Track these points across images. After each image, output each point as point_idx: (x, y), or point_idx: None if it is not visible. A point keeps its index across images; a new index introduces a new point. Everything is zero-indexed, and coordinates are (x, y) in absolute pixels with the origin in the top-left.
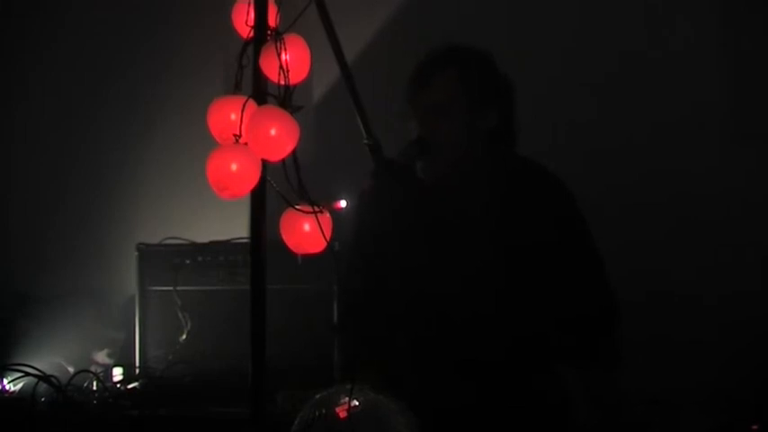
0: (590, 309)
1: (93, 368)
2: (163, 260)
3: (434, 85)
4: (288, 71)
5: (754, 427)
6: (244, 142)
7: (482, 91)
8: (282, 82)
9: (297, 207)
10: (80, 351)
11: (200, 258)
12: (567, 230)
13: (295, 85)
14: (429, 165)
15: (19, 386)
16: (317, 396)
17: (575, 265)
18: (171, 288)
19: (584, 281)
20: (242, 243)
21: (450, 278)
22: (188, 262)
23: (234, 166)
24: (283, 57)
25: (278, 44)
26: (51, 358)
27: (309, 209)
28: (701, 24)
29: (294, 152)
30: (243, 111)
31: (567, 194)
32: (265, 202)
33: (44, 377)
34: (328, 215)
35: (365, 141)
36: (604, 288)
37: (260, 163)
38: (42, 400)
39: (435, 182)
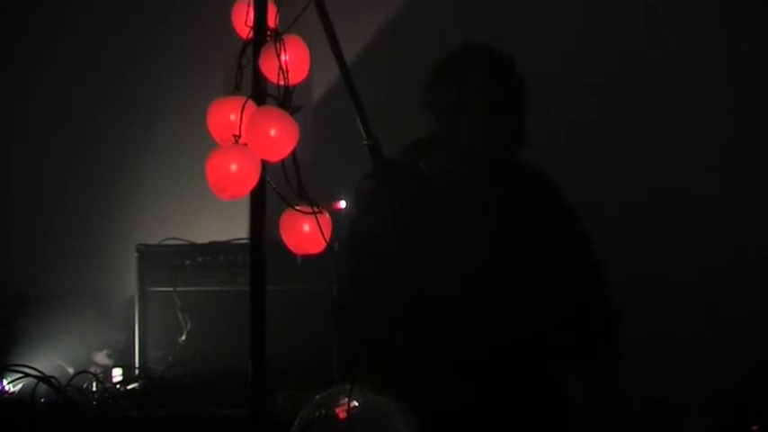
0: (589, 309)
1: (92, 369)
2: (163, 261)
3: (459, 81)
4: (287, 72)
5: (754, 427)
6: (243, 143)
7: (505, 94)
8: (282, 82)
9: (296, 207)
10: (80, 352)
11: (200, 259)
12: (565, 232)
13: (294, 86)
14: (430, 164)
15: (18, 387)
16: (317, 396)
17: (573, 266)
18: (171, 289)
19: (582, 282)
20: (242, 243)
21: (450, 278)
22: (188, 262)
23: (233, 167)
24: (283, 57)
25: (277, 45)
26: (51, 359)
27: (309, 209)
28: (701, 24)
29: (294, 153)
30: (242, 111)
31: (564, 198)
32: (265, 202)
33: (44, 378)
34: (328, 216)
35: (365, 142)
36: (603, 289)
37: (259, 163)
38: (42, 400)
39: (435, 181)
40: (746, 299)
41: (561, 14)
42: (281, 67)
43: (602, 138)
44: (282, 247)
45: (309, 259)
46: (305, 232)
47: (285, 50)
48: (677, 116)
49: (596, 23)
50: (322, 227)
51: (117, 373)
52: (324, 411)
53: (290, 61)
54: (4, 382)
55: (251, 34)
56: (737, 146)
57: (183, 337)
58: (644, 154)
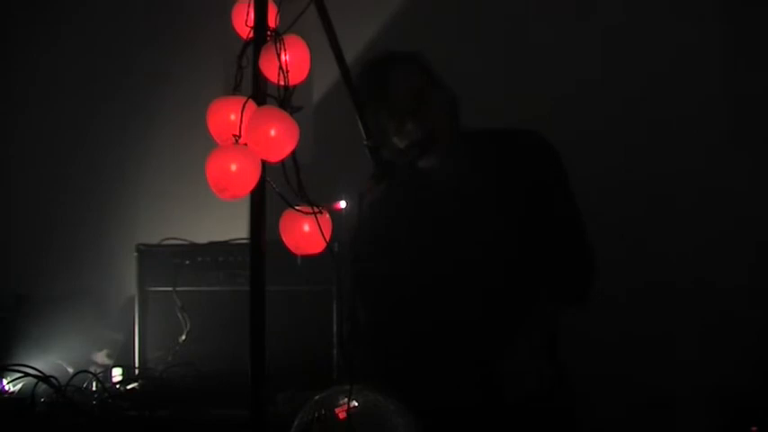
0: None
1: (92, 369)
2: (162, 261)
3: (410, 82)
4: (287, 72)
5: (754, 428)
6: (243, 143)
7: (436, 78)
8: (282, 83)
9: (296, 208)
10: (79, 352)
11: (199, 259)
12: (553, 191)
13: (295, 86)
14: (429, 160)
15: (18, 386)
16: (317, 397)
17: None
18: (170, 289)
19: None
20: (242, 244)
21: (456, 272)
22: (188, 263)
23: (233, 167)
24: (283, 57)
25: (278, 45)
26: (51, 359)
27: (309, 209)
28: (701, 23)
29: (294, 153)
30: (242, 111)
31: (552, 152)
32: (265, 202)
33: (44, 378)
34: (328, 216)
35: (365, 142)
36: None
37: (259, 164)
38: (42, 400)
39: (433, 175)
40: (747, 299)
41: (561, 14)
42: (281, 68)
43: (602, 137)
44: (282, 248)
45: (309, 259)
46: (305, 232)
47: (285, 50)
48: (677, 116)
49: (596, 23)
50: (322, 227)
51: (117, 373)
52: (323, 412)
53: (291, 61)
54: (4, 381)
55: (251, 34)
56: (738, 145)
57: (183, 338)
58: (644, 154)
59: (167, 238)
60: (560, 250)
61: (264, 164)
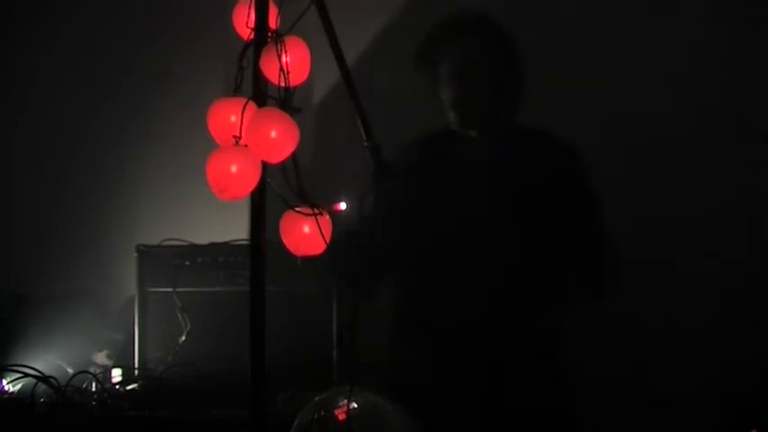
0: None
1: (92, 369)
2: (162, 261)
3: (469, 43)
4: (288, 73)
5: (753, 430)
6: (244, 144)
7: (507, 56)
8: (283, 84)
9: (296, 209)
10: (79, 352)
11: (199, 260)
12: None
13: (295, 87)
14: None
15: (18, 387)
16: (316, 398)
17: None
18: (170, 289)
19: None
20: (242, 244)
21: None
22: (188, 263)
23: (234, 168)
24: (284, 58)
25: (278, 46)
26: (51, 359)
27: (309, 211)
28: (701, 23)
29: (294, 154)
30: (243, 112)
31: (571, 155)
32: (265, 203)
33: (43, 378)
34: (328, 217)
35: (365, 144)
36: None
37: (260, 165)
38: (41, 400)
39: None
40: (747, 298)
41: (561, 14)
42: (281, 69)
43: (602, 137)
44: (282, 249)
45: (309, 260)
46: (305, 233)
47: (286, 52)
48: (677, 115)
49: (596, 22)
50: (322, 228)
51: (116, 374)
52: (323, 413)
53: (291, 62)
54: (4, 381)
55: (252, 35)
56: (737, 143)
57: (183, 338)
58: (646, 149)
59: (167, 239)
60: (581, 244)
61: (265, 165)
